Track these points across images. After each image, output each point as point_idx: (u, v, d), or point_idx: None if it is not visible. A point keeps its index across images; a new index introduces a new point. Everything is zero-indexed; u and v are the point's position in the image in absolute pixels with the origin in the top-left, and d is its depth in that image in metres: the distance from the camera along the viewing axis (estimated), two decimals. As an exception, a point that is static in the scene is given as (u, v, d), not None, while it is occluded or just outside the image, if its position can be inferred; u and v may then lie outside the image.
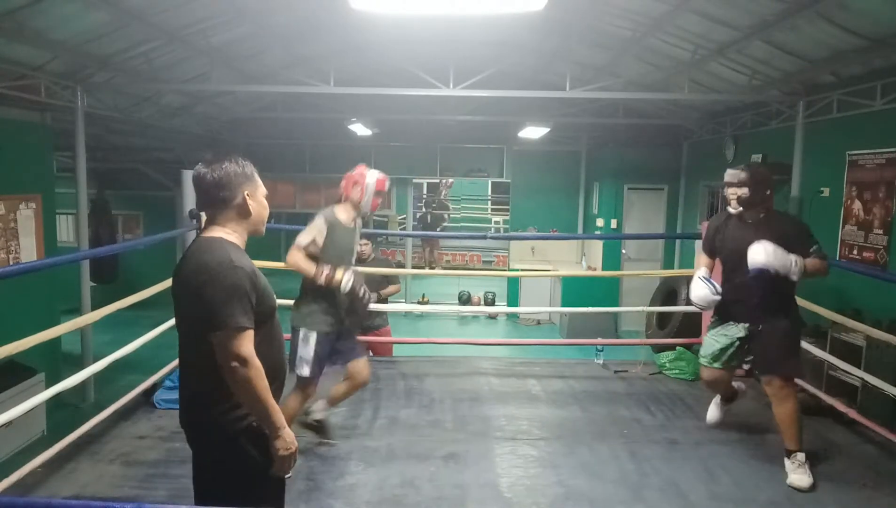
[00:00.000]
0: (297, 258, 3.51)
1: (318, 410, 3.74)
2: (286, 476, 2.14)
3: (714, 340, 3.65)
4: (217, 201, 2.06)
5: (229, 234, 2.07)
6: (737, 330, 3.58)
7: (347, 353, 3.65)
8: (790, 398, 3.46)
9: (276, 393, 2.11)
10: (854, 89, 5.69)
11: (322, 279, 3.43)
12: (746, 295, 3.46)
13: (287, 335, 3.23)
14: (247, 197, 2.08)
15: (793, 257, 3.28)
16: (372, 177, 3.77)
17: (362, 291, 3.54)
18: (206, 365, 1.97)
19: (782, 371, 3.47)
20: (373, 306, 5.81)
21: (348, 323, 3.66)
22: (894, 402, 4.27)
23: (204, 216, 2.17)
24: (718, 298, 3.48)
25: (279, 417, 2.01)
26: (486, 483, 3.48)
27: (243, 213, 2.09)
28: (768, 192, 3.46)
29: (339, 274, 3.45)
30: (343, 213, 3.74)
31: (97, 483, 3.36)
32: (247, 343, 1.93)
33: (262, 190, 2.17)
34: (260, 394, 1.95)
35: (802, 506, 3.28)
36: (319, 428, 3.77)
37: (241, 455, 2.02)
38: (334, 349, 3.58)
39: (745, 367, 5.09)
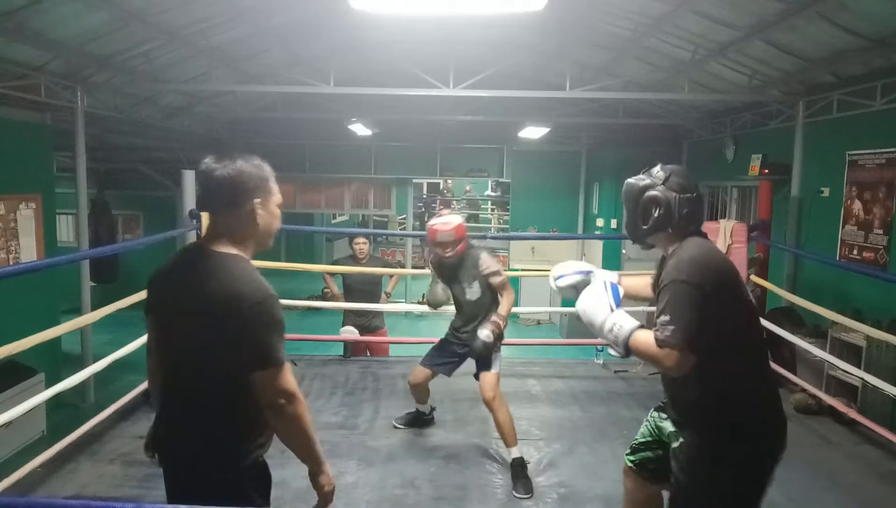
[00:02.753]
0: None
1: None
2: None
3: (645, 420, 2.45)
4: (223, 203, 1.78)
5: (243, 250, 1.81)
6: (662, 424, 2.31)
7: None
8: None
9: (270, 429, 1.94)
10: (854, 89, 5.69)
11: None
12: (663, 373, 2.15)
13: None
14: (257, 206, 1.79)
15: (613, 319, 2.09)
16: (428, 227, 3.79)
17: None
18: (228, 399, 1.77)
19: None
20: (373, 307, 6.03)
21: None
22: (894, 402, 4.27)
23: (205, 220, 1.93)
24: (609, 311, 2.13)
25: (321, 452, 1.91)
26: (486, 483, 3.48)
27: (251, 224, 1.79)
28: (658, 211, 2.13)
29: None
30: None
31: (97, 483, 3.36)
32: (291, 378, 1.78)
33: (275, 199, 1.86)
34: (307, 429, 1.83)
35: (803, 506, 3.28)
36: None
37: (243, 497, 1.83)
38: None
39: None
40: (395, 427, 4.19)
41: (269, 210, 1.84)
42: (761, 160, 7.08)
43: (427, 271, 4.29)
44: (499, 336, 3.66)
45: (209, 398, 1.80)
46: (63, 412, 6.21)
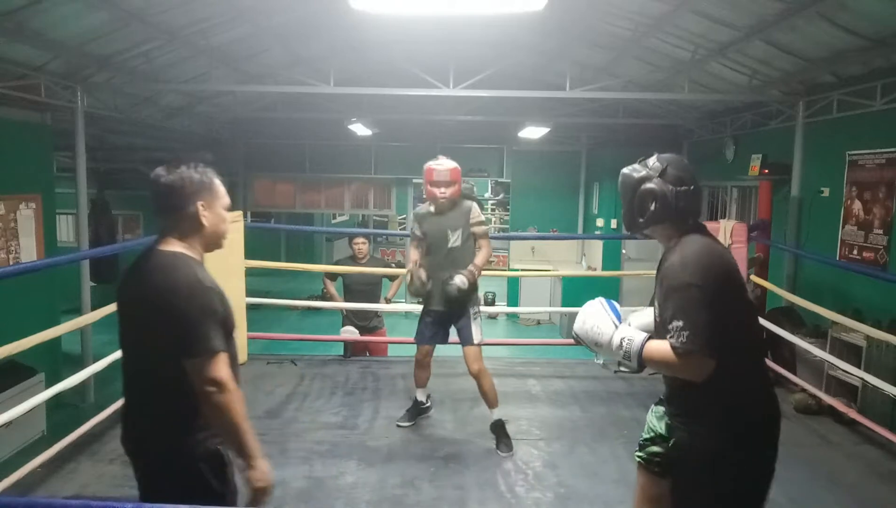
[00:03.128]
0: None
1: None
2: None
3: (648, 417, 2.36)
4: (169, 208, 1.93)
5: (188, 248, 1.93)
6: (660, 420, 2.27)
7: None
8: None
9: None
10: (854, 89, 5.68)
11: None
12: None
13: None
14: (200, 208, 1.92)
15: (620, 334, 2.05)
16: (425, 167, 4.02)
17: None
18: (171, 388, 1.86)
19: None
20: (373, 307, 6.07)
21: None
22: (894, 402, 4.27)
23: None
24: (614, 327, 2.09)
25: (255, 445, 1.90)
26: (486, 483, 3.48)
27: (196, 225, 1.93)
28: (655, 205, 2.07)
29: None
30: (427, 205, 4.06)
31: (97, 483, 3.36)
32: (223, 367, 1.84)
33: (222, 202, 2.00)
34: (236, 419, 1.86)
35: (803, 506, 3.28)
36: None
37: (199, 482, 1.89)
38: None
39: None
40: (400, 427, 4.20)
41: (215, 212, 1.97)
42: (761, 160, 7.08)
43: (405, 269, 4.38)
44: (473, 287, 3.85)
45: (158, 390, 1.91)
46: (63, 412, 6.21)
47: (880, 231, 5.35)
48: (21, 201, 6.49)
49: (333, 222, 16.31)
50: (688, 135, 10.35)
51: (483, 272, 4.00)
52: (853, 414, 4.22)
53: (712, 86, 7.28)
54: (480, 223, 3.93)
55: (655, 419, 2.29)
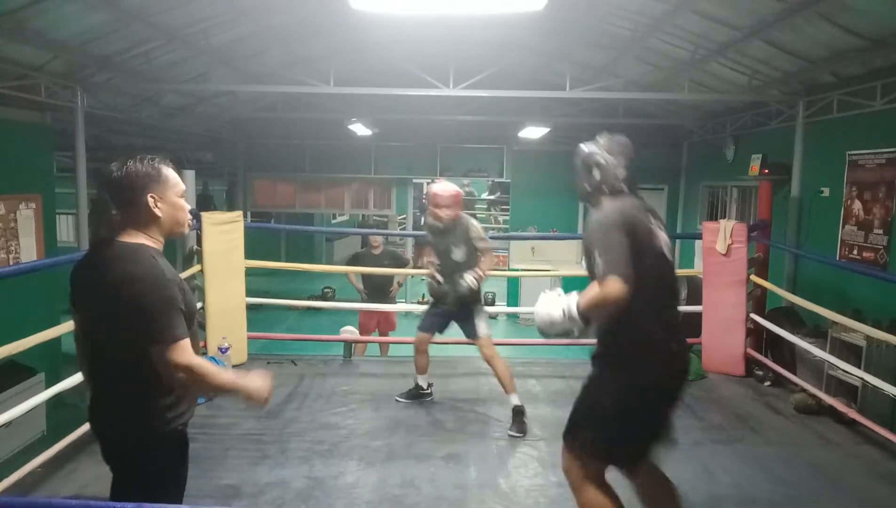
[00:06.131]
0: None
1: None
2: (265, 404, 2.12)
3: None
4: (122, 202, 2.02)
5: (147, 239, 2.01)
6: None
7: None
8: (582, 485, 2.43)
9: (193, 403, 2.12)
10: (854, 89, 5.68)
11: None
12: None
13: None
14: (151, 199, 1.99)
15: (563, 303, 2.32)
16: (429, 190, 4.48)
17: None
18: (132, 374, 1.94)
19: (570, 441, 2.49)
20: (371, 307, 6.38)
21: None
22: (894, 402, 4.27)
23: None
24: (559, 307, 2.33)
25: (235, 381, 2.02)
26: (486, 483, 3.48)
27: (150, 216, 2.01)
28: (593, 173, 2.47)
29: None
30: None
31: (97, 483, 3.35)
32: (187, 351, 1.92)
33: (175, 189, 2.05)
34: (215, 383, 1.98)
35: (802, 506, 3.29)
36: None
37: (161, 464, 2.01)
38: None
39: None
40: (398, 402, 4.62)
41: (169, 202, 2.04)
42: (761, 160, 7.08)
43: (425, 271, 4.72)
44: (478, 288, 4.29)
45: (119, 376, 1.98)
46: (63, 412, 6.20)
47: (880, 231, 5.35)
48: (21, 201, 6.49)
49: (333, 222, 16.30)
50: (688, 135, 10.35)
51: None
52: (853, 414, 4.22)
53: (712, 86, 7.28)
54: (480, 239, 4.28)
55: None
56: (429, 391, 4.68)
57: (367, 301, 7.08)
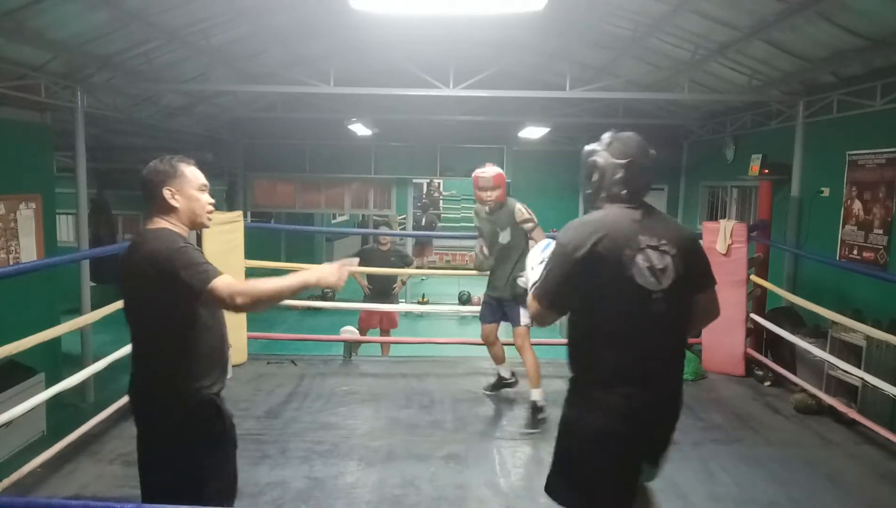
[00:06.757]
0: None
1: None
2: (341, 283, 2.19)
3: None
4: (147, 196, 2.23)
5: (170, 225, 2.21)
6: None
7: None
8: None
9: (221, 377, 2.23)
10: (854, 89, 5.69)
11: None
12: None
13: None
14: (168, 192, 2.19)
15: (531, 278, 2.31)
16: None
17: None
18: (166, 346, 2.11)
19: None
20: (375, 307, 6.36)
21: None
22: (894, 402, 4.27)
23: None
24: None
25: (299, 280, 2.11)
26: (486, 483, 3.48)
27: (168, 207, 2.20)
28: (593, 177, 2.21)
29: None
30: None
31: (97, 483, 3.36)
32: (230, 282, 2.03)
33: (193, 183, 2.24)
34: (274, 294, 2.08)
35: (803, 506, 3.28)
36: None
37: (196, 428, 2.14)
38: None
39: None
40: (485, 394, 4.72)
41: (186, 194, 2.23)
42: (761, 160, 7.08)
43: (427, 271, 4.70)
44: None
45: (156, 349, 2.15)
46: (63, 412, 6.21)
47: (880, 231, 5.35)
48: (21, 201, 6.49)
49: (333, 222, 16.29)
50: (688, 135, 10.35)
51: (483, 273, 4.48)
52: (853, 414, 4.22)
53: (712, 86, 7.28)
54: (526, 221, 4.28)
55: None
56: (513, 379, 4.71)
57: (371, 297, 7.16)
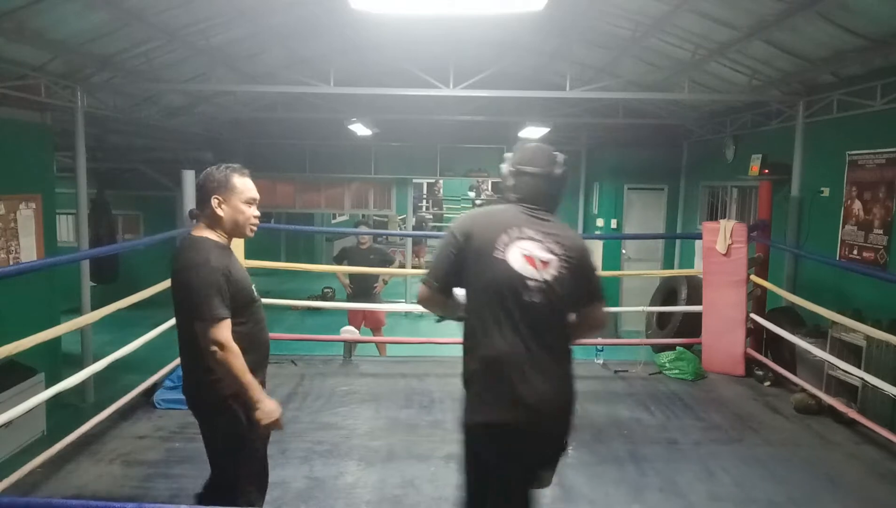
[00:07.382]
0: None
1: None
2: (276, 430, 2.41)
3: None
4: (198, 202, 2.37)
5: (212, 233, 2.33)
6: None
7: None
8: None
9: (262, 365, 2.44)
10: (854, 89, 5.68)
11: None
12: None
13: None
14: (216, 200, 2.31)
15: None
16: None
17: None
18: (197, 346, 2.25)
19: None
20: (374, 307, 6.37)
21: None
22: (894, 402, 4.27)
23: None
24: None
25: (256, 391, 2.27)
26: (486, 483, 3.48)
27: (215, 216, 2.32)
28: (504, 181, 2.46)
29: None
30: None
31: (97, 483, 3.36)
32: (224, 331, 2.20)
33: (240, 196, 2.34)
34: (236, 373, 2.22)
35: (802, 506, 3.29)
36: None
37: (232, 416, 2.32)
38: None
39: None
40: None
41: (232, 205, 2.34)
42: (761, 160, 7.07)
43: (421, 271, 4.63)
44: None
45: (191, 347, 2.30)
46: (63, 412, 6.21)
47: (880, 231, 5.35)
48: (21, 201, 6.49)
49: (333, 222, 16.29)
50: (688, 135, 10.34)
51: None
52: (853, 414, 4.22)
53: (712, 86, 7.28)
54: None
55: None
56: None
57: (352, 297, 7.27)
